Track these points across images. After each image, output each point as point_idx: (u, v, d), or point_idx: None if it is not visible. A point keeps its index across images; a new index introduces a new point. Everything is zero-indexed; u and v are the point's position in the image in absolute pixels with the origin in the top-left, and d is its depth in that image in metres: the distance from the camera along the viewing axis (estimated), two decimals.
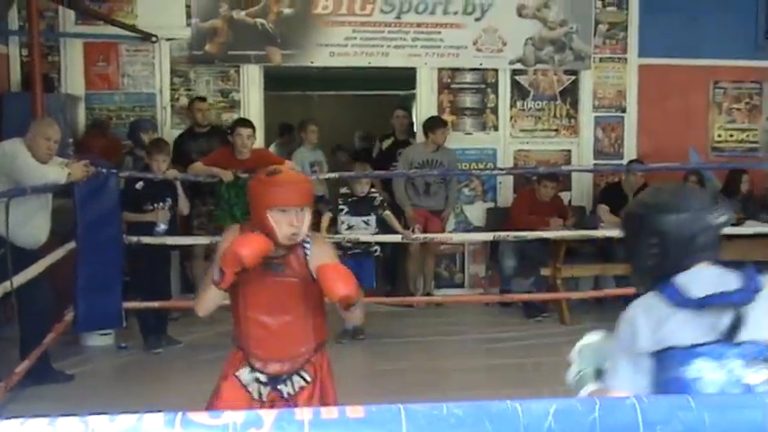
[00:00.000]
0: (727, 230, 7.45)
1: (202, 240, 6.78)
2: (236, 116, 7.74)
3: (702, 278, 2.06)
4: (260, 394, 3.04)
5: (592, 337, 2.30)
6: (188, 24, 7.87)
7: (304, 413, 0.97)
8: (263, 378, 3.03)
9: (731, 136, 8.77)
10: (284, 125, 8.93)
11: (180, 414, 1.00)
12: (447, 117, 8.20)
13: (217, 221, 6.86)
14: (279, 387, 3.05)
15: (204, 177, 6.68)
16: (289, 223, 2.85)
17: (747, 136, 8.80)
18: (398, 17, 8.08)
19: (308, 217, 2.93)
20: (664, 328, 2.00)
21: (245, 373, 3.04)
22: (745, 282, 2.03)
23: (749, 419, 0.83)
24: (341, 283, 2.75)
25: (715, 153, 8.73)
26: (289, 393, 3.04)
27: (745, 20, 8.55)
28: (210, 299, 2.94)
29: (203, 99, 7.73)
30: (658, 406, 0.86)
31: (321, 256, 2.98)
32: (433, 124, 7.81)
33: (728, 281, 2.04)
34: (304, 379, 3.04)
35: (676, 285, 2.04)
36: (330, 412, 0.97)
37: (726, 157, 8.69)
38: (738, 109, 8.77)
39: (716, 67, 8.63)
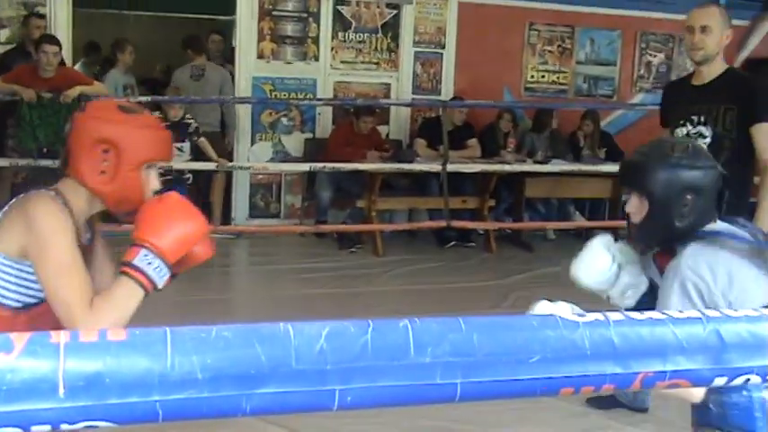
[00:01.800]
0: (535, 168, 7.66)
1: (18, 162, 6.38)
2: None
3: (736, 231, 2.07)
4: None
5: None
6: None
7: (60, 336, 0.90)
8: None
9: (543, 77, 9.06)
10: (90, 44, 8.48)
11: None
12: (267, 45, 8.03)
13: (20, 144, 6.45)
14: None
15: (3, 95, 6.26)
16: (153, 183, 2.08)
17: (558, 78, 9.12)
18: None
19: None
20: (736, 285, 1.98)
21: None
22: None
23: (516, 339, 0.83)
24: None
25: (528, 93, 9.00)
26: None
27: None
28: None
29: (41, 16, 7.19)
30: (430, 328, 0.85)
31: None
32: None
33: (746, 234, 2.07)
34: None
35: (732, 233, 2.04)
36: (89, 335, 0.90)
37: (537, 98, 9.00)
38: (551, 51, 9.05)
39: (532, 9, 8.85)
